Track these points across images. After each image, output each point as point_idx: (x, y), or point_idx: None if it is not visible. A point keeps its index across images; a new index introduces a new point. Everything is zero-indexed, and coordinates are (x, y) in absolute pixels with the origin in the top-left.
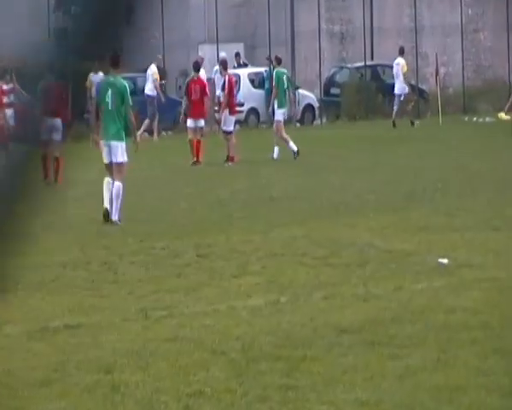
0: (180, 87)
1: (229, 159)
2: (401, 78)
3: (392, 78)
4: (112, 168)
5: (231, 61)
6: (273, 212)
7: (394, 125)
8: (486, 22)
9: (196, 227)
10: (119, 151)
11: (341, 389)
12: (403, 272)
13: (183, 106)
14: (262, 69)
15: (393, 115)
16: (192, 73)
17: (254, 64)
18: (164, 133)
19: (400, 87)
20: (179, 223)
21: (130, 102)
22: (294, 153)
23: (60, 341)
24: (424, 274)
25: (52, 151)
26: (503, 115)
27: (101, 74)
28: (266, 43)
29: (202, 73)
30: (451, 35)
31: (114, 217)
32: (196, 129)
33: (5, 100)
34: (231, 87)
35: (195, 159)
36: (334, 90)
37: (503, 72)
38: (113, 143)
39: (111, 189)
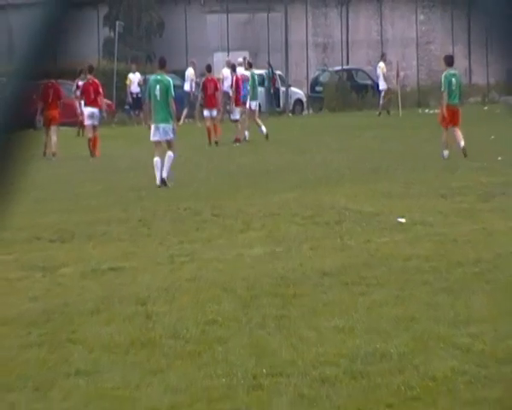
0: (198, 85)
1: (236, 140)
2: (382, 77)
3: (364, 79)
4: (159, 145)
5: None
6: (270, 181)
7: (380, 114)
8: (436, 36)
9: (211, 193)
10: (169, 130)
11: (323, 319)
12: (371, 229)
13: (199, 99)
14: (263, 71)
15: (380, 107)
16: (206, 74)
17: (257, 67)
18: (186, 120)
19: (382, 85)
20: (198, 190)
21: (173, 95)
22: (266, 135)
23: (106, 280)
24: (387, 230)
25: (93, 132)
26: None
27: (138, 74)
28: (266, 51)
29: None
30: (409, 46)
31: (164, 175)
32: (211, 117)
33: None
34: (238, 85)
35: (212, 140)
36: (318, 88)
37: None
38: (162, 125)
39: (159, 167)
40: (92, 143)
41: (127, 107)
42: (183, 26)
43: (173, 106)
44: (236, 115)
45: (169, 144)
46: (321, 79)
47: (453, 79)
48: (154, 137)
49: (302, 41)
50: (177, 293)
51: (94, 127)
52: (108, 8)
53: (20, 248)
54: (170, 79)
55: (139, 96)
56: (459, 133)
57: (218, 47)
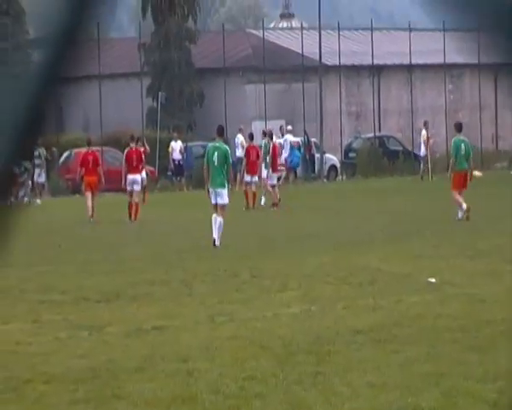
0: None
1: (274, 205)
2: (423, 144)
3: (395, 145)
4: (217, 207)
5: (277, 133)
6: (306, 244)
7: (422, 178)
8: (464, 105)
9: (250, 255)
10: (224, 195)
11: (357, 375)
12: (402, 289)
13: (243, 165)
14: (299, 139)
15: (421, 172)
16: (249, 142)
17: (294, 135)
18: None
19: (423, 151)
20: (238, 252)
21: (230, 161)
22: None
23: (149, 338)
24: (418, 290)
25: (134, 198)
26: (476, 173)
27: (179, 142)
28: (301, 119)
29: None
30: (438, 114)
31: (217, 243)
32: (252, 182)
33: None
34: (275, 152)
35: (249, 204)
36: (351, 154)
37: (477, 141)
38: (219, 189)
39: (216, 222)
40: (135, 208)
41: (169, 173)
42: (223, 96)
43: (230, 172)
44: (274, 181)
45: (222, 209)
46: (354, 145)
47: (462, 145)
48: (213, 200)
49: (336, 109)
50: (217, 351)
51: (136, 193)
52: (151, 79)
53: (69, 308)
54: (227, 147)
55: (180, 163)
56: (463, 197)
57: (256, 116)
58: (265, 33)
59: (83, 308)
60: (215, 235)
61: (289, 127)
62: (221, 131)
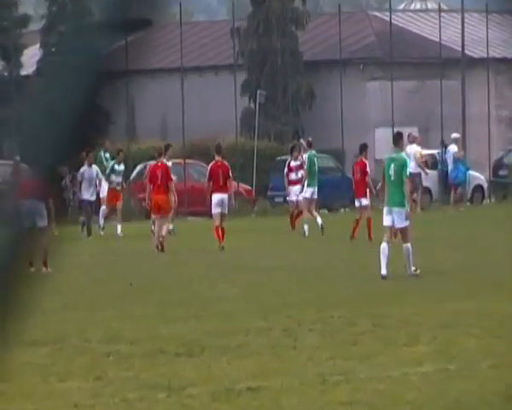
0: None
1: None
2: None
3: None
4: (390, 230)
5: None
6: (441, 285)
7: None
8: None
9: (371, 298)
10: (403, 216)
11: None
12: None
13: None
14: (435, 151)
15: None
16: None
17: (428, 147)
18: (342, 210)
19: None
20: (355, 294)
21: (407, 175)
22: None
23: (243, 403)
24: None
25: (221, 222)
26: None
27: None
28: (439, 126)
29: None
30: None
31: (410, 271)
32: (362, 207)
33: (293, 176)
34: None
35: (355, 235)
36: (502, 172)
37: None
38: (396, 209)
39: (387, 254)
40: (221, 233)
41: (270, 193)
42: (338, 95)
43: (408, 188)
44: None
45: (403, 233)
46: (505, 160)
47: None
48: (385, 221)
49: (483, 114)
50: None
51: (222, 216)
52: (247, 73)
53: (140, 363)
54: (406, 158)
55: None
56: None
57: (381, 121)
58: (393, 16)
59: (158, 363)
60: (384, 269)
61: (415, 134)
62: (398, 138)
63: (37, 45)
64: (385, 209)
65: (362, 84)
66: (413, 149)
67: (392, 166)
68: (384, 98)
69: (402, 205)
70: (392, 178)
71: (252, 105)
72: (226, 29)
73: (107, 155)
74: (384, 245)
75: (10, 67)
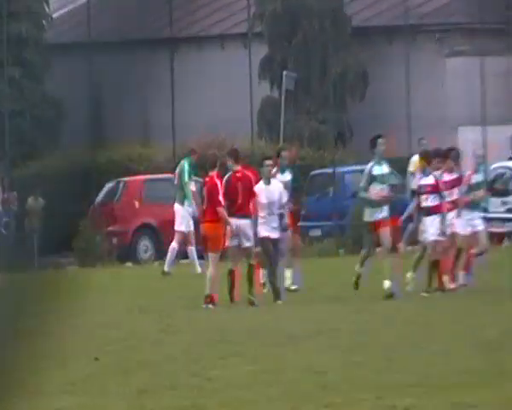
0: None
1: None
2: None
3: None
4: None
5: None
6: None
7: None
8: None
9: (453, 379)
10: None
11: None
12: None
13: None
14: None
15: None
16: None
17: None
18: None
19: None
20: (430, 373)
21: None
22: None
23: None
24: None
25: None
26: None
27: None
28: None
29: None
30: None
31: None
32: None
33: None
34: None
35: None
36: None
37: None
38: None
39: None
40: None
41: (303, 223)
42: (403, 78)
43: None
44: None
45: None
46: None
47: None
48: None
49: None
50: None
51: (250, 251)
52: (268, 47)
53: None
54: None
55: None
56: None
57: (466, 117)
58: None
59: None
60: None
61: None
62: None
63: None
64: None
65: (439, 61)
66: None
67: None
68: (471, 82)
69: None
70: None
71: (275, 93)
72: None
73: None
74: None
75: None
